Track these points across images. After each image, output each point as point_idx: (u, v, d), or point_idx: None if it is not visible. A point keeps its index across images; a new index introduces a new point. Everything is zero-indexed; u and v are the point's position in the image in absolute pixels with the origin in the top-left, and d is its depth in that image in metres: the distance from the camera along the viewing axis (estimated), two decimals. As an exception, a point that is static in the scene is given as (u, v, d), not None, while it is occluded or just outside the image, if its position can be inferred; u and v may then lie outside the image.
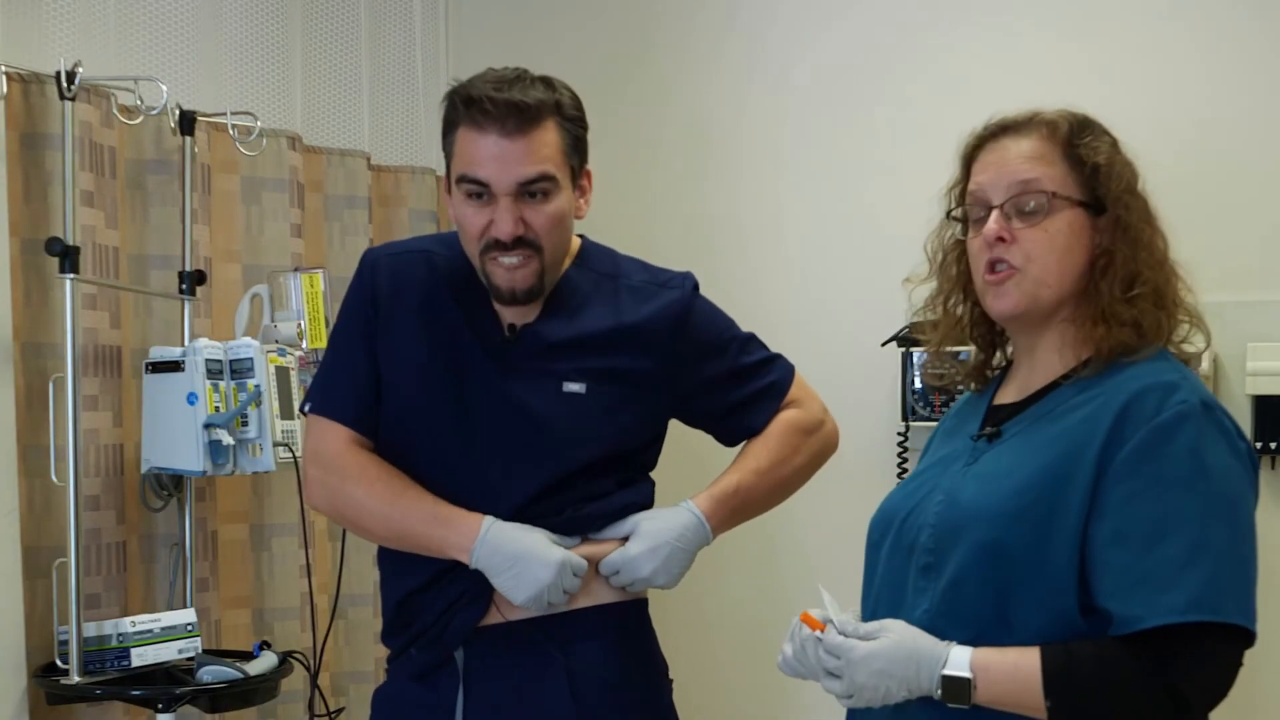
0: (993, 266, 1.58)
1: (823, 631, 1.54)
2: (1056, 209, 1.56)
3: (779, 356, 2.06)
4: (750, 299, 3.24)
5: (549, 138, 1.81)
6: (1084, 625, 1.47)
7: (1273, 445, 2.61)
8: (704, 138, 3.28)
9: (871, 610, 1.64)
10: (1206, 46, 2.75)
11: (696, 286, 2.01)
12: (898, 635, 1.50)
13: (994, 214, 1.58)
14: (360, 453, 1.93)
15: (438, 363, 1.91)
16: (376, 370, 1.93)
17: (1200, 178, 2.72)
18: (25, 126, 2.55)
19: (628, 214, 3.26)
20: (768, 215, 3.22)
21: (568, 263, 1.96)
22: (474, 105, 1.79)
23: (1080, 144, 1.58)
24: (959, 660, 1.47)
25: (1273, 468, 2.64)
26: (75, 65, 2.48)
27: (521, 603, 1.83)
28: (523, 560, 1.82)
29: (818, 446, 2.04)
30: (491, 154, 1.79)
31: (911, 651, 1.48)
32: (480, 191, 1.81)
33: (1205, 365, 2.61)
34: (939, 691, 1.47)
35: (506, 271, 1.84)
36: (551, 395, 1.88)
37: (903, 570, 1.60)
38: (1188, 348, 1.62)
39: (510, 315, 1.93)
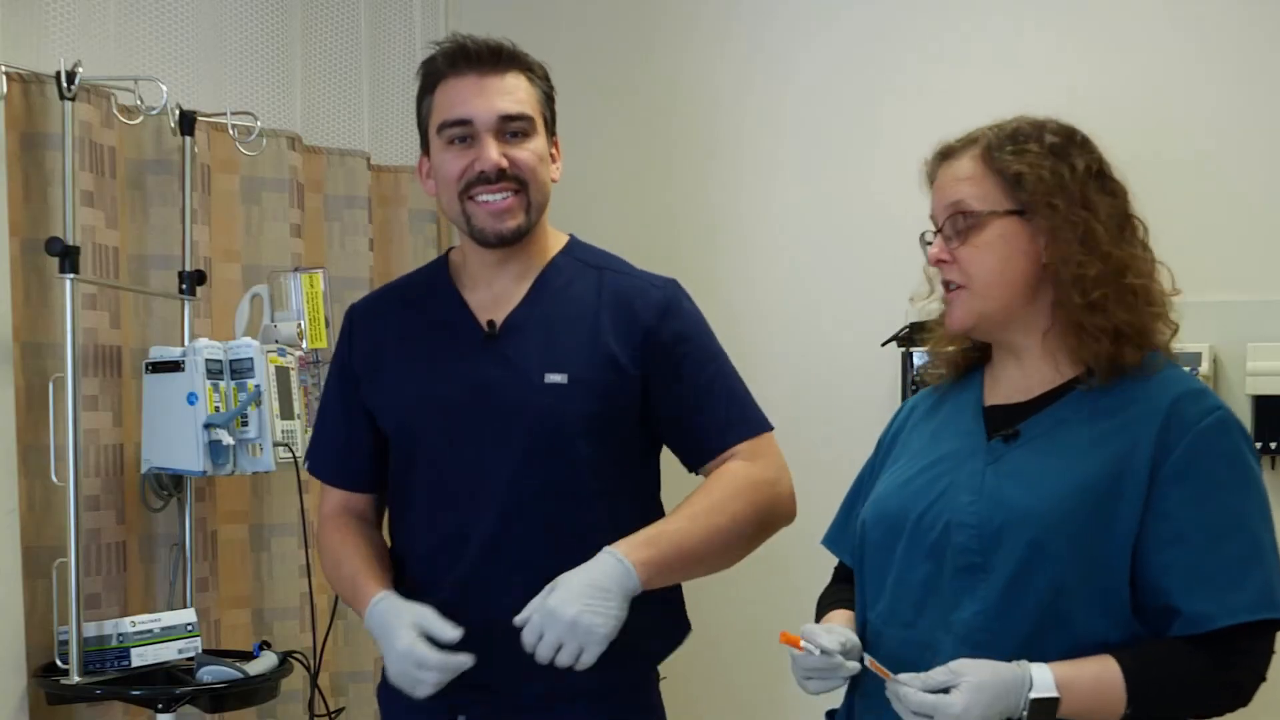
0: (946, 286, 1.67)
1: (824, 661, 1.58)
2: (985, 224, 1.61)
3: (759, 412, 1.98)
4: (750, 298, 3.26)
5: (524, 83, 1.91)
6: (1136, 623, 1.53)
7: (1273, 445, 2.61)
8: (704, 136, 3.28)
9: (889, 610, 1.64)
10: (1209, 48, 2.75)
11: (681, 289, 2.00)
12: (978, 677, 1.49)
13: (937, 238, 1.66)
14: (330, 524, 2.03)
15: (422, 376, 1.94)
16: (361, 420, 2.00)
17: (1201, 178, 2.72)
18: (25, 126, 2.55)
19: (628, 211, 3.26)
20: (768, 214, 3.22)
21: (555, 252, 1.97)
22: (455, 52, 1.90)
23: (999, 155, 1.62)
24: (1044, 682, 1.49)
25: (1273, 468, 2.64)
26: (75, 65, 2.48)
27: (392, 683, 1.83)
28: (383, 642, 1.84)
29: (764, 501, 1.90)
30: (473, 91, 1.88)
31: (997, 689, 1.48)
32: (462, 135, 1.88)
33: (1205, 365, 2.61)
34: (1025, 713, 1.48)
35: (491, 212, 1.88)
36: (533, 387, 1.87)
37: (929, 571, 1.61)
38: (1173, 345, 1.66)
39: (488, 311, 1.94)
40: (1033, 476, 1.58)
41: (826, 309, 3.12)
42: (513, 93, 1.88)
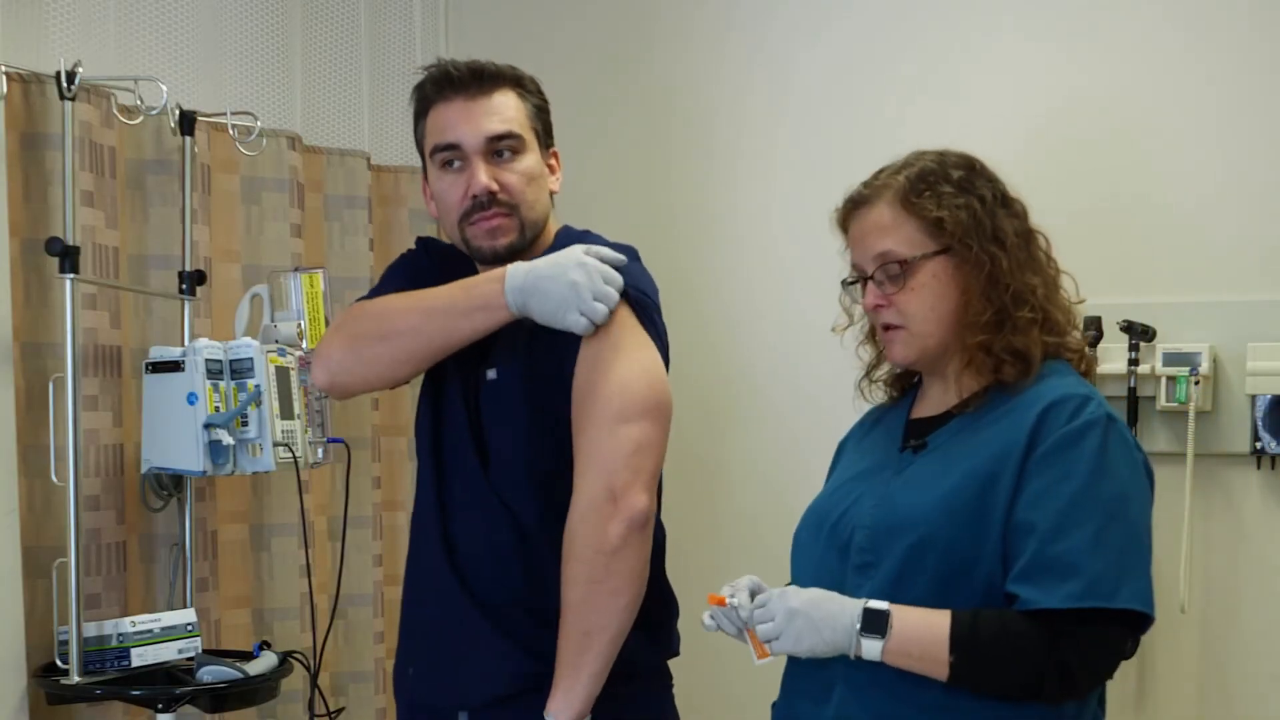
0: (885, 327, 1.77)
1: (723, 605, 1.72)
2: (916, 268, 1.71)
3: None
4: (749, 298, 3.25)
5: (511, 101, 1.93)
6: None
7: (1273, 445, 2.61)
8: (704, 136, 3.28)
9: None
10: (1209, 47, 2.75)
11: (628, 252, 1.93)
12: (818, 589, 1.67)
13: (869, 285, 1.75)
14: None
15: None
16: None
17: (1201, 179, 2.72)
18: (25, 126, 2.55)
19: (627, 211, 3.26)
20: (768, 214, 3.22)
21: (544, 246, 1.97)
22: (441, 78, 1.92)
23: (917, 201, 1.72)
24: (878, 602, 1.63)
25: (1273, 468, 2.64)
26: (75, 65, 2.48)
27: (559, 319, 1.78)
28: (550, 266, 1.80)
29: (624, 572, 1.79)
30: (459, 116, 1.91)
31: (833, 594, 1.65)
32: (454, 159, 1.91)
33: (1205, 365, 2.60)
34: (859, 624, 1.60)
35: (485, 230, 1.91)
36: (477, 385, 1.91)
37: (837, 569, 1.74)
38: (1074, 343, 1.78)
39: None
40: (923, 482, 1.71)
41: (826, 309, 3.11)
42: (499, 112, 1.91)
